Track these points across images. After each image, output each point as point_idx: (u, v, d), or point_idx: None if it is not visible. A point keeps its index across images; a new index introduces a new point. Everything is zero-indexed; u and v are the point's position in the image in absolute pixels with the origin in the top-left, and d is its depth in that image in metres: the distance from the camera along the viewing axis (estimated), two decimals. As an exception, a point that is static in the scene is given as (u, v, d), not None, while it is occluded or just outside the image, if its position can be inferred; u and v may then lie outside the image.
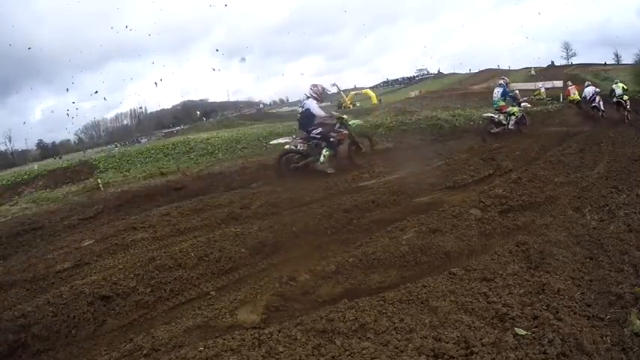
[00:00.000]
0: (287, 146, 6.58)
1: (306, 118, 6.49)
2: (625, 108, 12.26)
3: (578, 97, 15.04)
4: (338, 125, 6.67)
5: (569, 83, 17.06)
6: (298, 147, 6.46)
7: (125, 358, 2.05)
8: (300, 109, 6.77)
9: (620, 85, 12.90)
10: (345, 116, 6.95)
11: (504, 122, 9.39)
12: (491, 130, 9.40)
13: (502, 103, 9.55)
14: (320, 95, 6.75)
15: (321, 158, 6.35)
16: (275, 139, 7.36)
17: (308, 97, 6.59)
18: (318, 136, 6.43)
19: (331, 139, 6.44)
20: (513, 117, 9.44)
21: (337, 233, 3.71)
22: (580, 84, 16.10)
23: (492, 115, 9.58)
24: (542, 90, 25.17)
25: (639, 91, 19.31)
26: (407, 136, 11.55)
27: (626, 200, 3.82)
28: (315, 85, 6.71)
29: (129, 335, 2.40)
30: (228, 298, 2.64)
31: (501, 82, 9.98)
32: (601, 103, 12.85)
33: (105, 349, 2.26)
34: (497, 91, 9.66)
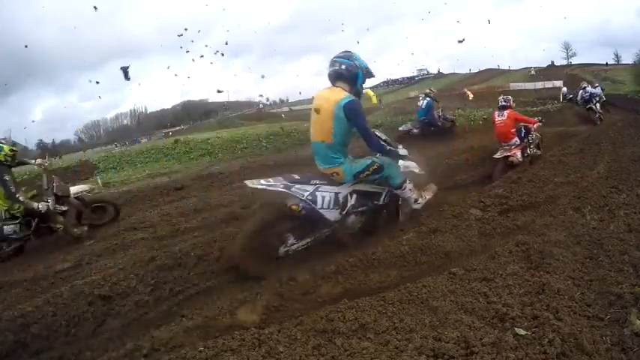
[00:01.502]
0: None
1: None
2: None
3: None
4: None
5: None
6: (597, 108, 12.14)
7: (125, 358, 2.05)
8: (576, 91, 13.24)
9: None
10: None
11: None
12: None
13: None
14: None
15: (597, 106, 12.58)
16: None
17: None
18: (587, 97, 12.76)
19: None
20: None
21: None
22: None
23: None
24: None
25: (639, 90, 19.38)
26: (407, 135, 11.52)
27: (626, 200, 3.81)
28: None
29: (129, 335, 2.41)
30: (228, 298, 2.64)
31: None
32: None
33: (104, 349, 2.26)
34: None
